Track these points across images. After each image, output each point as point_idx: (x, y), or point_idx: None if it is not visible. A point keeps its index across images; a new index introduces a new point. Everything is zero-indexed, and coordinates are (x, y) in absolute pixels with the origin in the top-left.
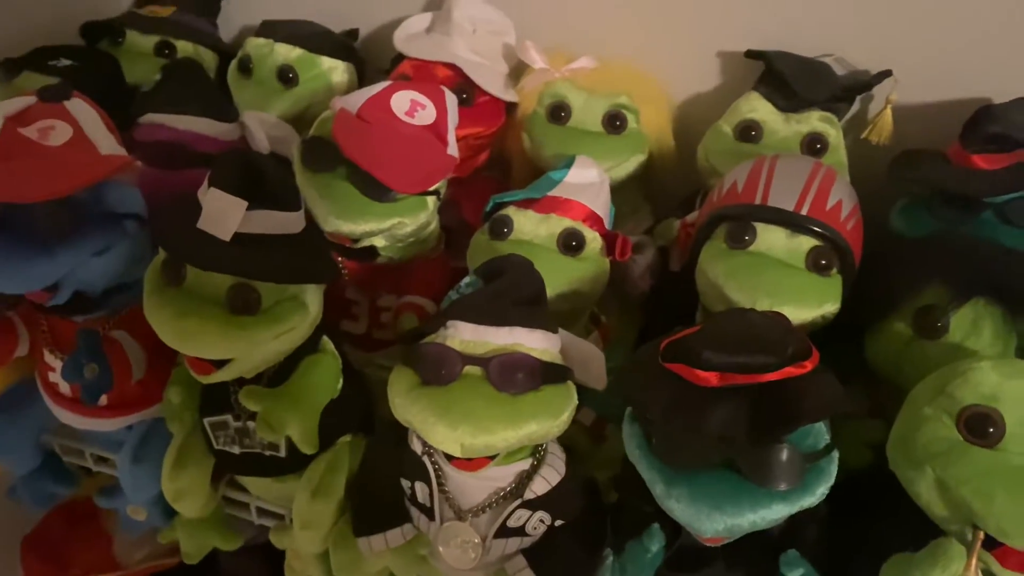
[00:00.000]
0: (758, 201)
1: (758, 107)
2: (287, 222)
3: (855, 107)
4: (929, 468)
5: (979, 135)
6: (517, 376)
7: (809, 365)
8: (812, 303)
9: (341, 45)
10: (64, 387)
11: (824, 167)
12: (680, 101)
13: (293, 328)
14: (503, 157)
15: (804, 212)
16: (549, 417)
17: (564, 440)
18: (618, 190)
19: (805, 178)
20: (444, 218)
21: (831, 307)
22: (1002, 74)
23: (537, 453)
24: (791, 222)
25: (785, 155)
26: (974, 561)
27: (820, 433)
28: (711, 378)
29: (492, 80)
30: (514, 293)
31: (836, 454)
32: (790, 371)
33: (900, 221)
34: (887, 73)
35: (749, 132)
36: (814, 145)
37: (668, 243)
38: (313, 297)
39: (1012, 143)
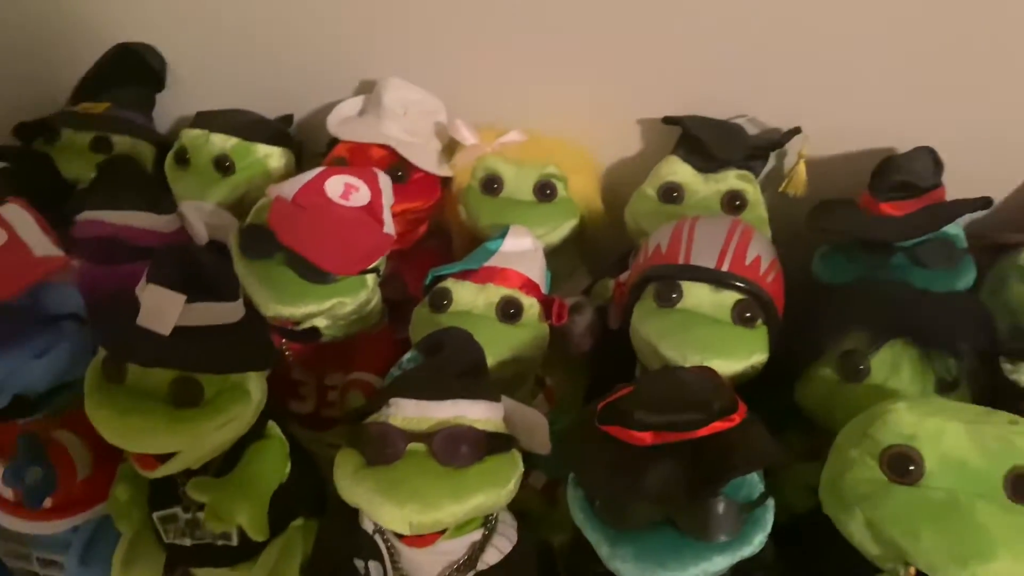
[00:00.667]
0: (681, 261)
1: (678, 170)
2: (226, 312)
3: (770, 163)
4: (858, 510)
5: (885, 184)
6: (461, 449)
7: (737, 418)
8: (740, 355)
9: (276, 132)
10: (7, 491)
11: (742, 225)
12: (608, 167)
13: (237, 417)
14: (444, 228)
15: (725, 268)
16: (495, 487)
17: (516, 505)
18: (554, 254)
19: (724, 236)
20: (388, 291)
21: (759, 357)
22: (903, 125)
23: (488, 523)
24: (714, 279)
25: (704, 216)
26: None
27: (754, 483)
28: (645, 438)
29: (425, 157)
30: (455, 366)
31: (771, 502)
32: (719, 426)
33: (821, 268)
34: (796, 130)
35: (671, 194)
36: (733, 202)
37: (605, 302)
38: (256, 384)
39: (916, 190)
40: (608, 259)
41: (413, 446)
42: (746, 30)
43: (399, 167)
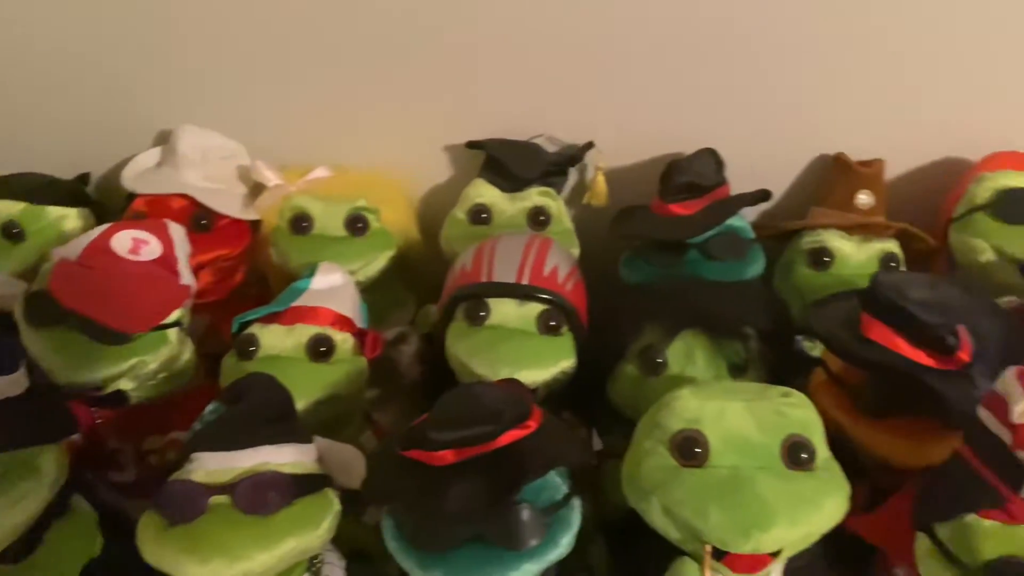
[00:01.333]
0: (484, 279)
1: (484, 192)
2: (3, 386)
3: (573, 178)
4: (655, 497)
5: (672, 186)
6: (266, 496)
7: (533, 424)
8: (548, 363)
9: (70, 192)
10: None
11: (539, 239)
12: (422, 195)
13: (28, 495)
14: (262, 274)
15: (525, 281)
16: (307, 530)
17: (351, 543)
18: (377, 286)
19: (521, 251)
20: (207, 345)
21: (567, 363)
22: (691, 129)
23: (313, 567)
24: (516, 292)
25: (505, 233)
26: (707, 574)
27: (556, 486)
28: (447, 456)
29: (229, 203)
30: (258, 412)
31: (577, 502)
32: (513, 434)
33: (626, 272)
34: (590, 145)
35: (480, 215)
36: (538, 218)
37: (431, 328)
38: (50, 458)
39: (701, 189)
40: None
41: (216, 499)
42: (537, 51)
43: (202, 215)
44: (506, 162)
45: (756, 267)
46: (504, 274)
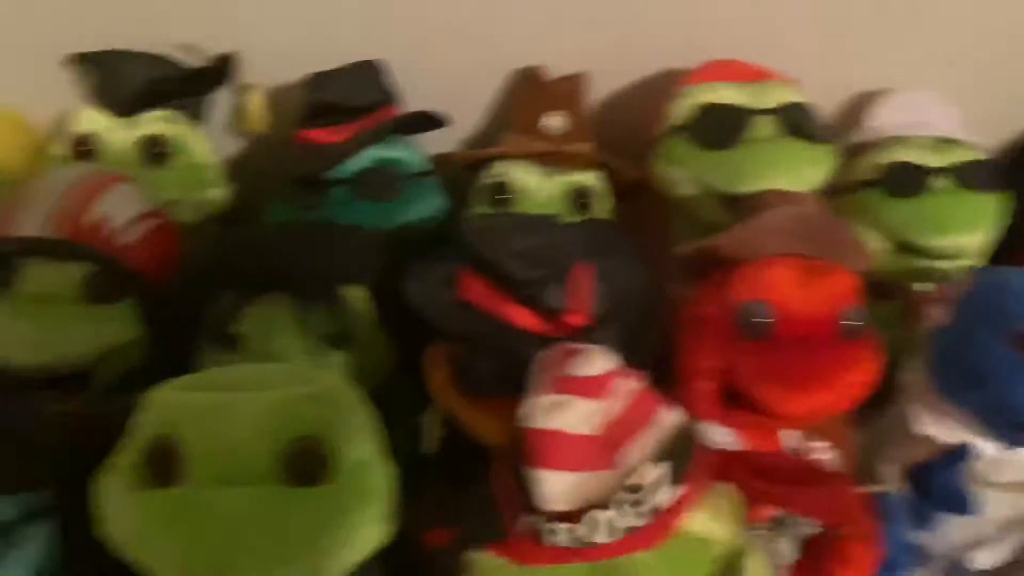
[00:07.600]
0: (9, 231)
1: (88, 119)
2: None
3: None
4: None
5: (311, 109)
6: None
7: None
8: (90, 337)
9: None
10: None
11: (98, 177)
12: None
13: None
14: None
15: (57, 235)
16: None
17: None
18: None
19: (58, 195)
20: None
21: (123, 337)
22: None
23: None
24: (39, 248)
25: (53, 171)
26: None
27: None
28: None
29: None
30: None
31: None
32: None
33: (275, 218)
34: (228, 57)
35: (79, 148)
36: (153, 150)
37: None
38: None
39: (349, 112)
40: None
41: None
42: None
43: None
44: (116, 77)
45: (417, 209)
46: (30, 226)
